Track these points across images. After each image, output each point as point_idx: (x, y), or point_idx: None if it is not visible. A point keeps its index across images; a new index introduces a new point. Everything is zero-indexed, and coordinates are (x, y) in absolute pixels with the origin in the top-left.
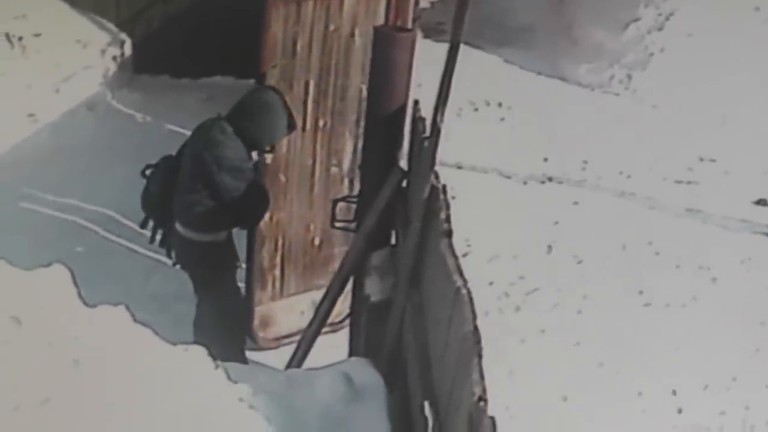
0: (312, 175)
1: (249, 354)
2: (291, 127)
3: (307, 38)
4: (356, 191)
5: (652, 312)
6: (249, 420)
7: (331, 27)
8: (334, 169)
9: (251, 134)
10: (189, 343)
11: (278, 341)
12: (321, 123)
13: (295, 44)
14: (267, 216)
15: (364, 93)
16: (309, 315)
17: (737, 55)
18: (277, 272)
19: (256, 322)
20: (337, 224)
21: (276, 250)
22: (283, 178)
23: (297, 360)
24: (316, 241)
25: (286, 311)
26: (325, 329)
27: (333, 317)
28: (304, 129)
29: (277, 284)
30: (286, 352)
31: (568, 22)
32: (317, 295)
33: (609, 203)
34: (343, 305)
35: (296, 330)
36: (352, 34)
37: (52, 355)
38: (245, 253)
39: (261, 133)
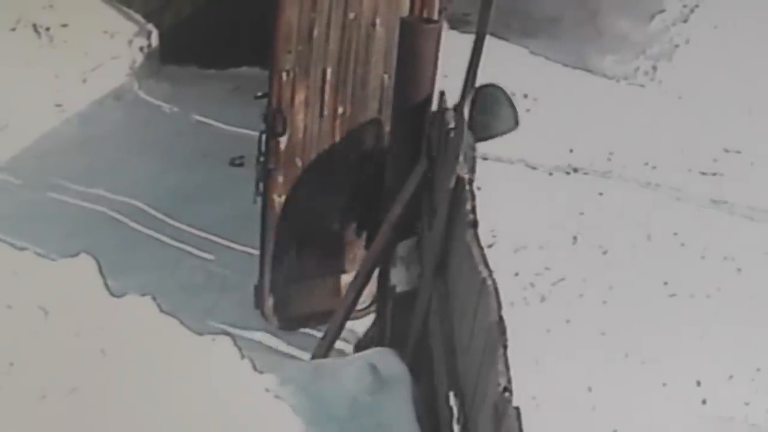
0: (330, 161)
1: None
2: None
3: (324, 25)
4: (373, 178)
5: (677, 302)
6: (275, 410)
7: (351, 15)
8: (352, 156)
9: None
10: (216, 333)
11: (295, 323)
12: (340, 110)
13: (311, 31)
14: (283, 199)
15: (386, 82)
16: (326, 299)
17: (762, 47)
18: (294, 255)
19: (271, 302)
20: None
21: (293, 233)
22: (299, 162)
23: (323, 350)
24: (335, 227)
25: (303, 294)
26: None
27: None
28: (321, 115)
29: (294, 267)
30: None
31: (593, 13)
32: (335, 279)
33: (634, 194)
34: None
35: (312, 312)
36: (374, 24)
37: (79, 344)
38: (260, 236)
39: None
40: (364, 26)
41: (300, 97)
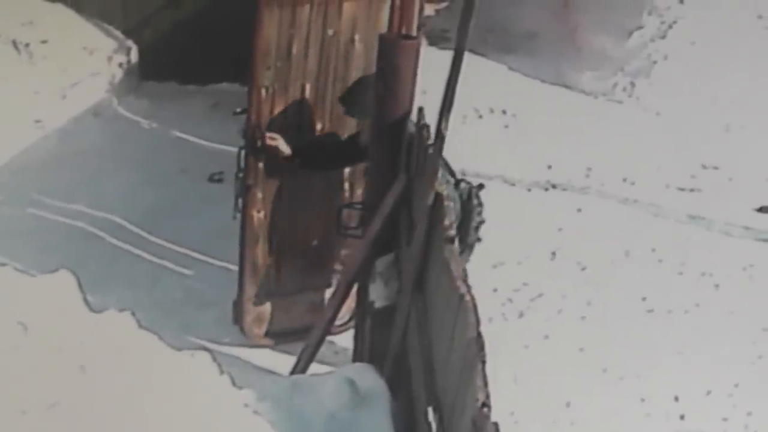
0: (309, 176)
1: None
2: None
3: (303, 41)
4: (356, 194)
5: (655, 318)
6: (254, 425)
7: (330, 32)
8: (331, 172)
9: None
10: (195, 348)
11: (273, 339)
12: (319, 126)
13: (290, 47)
14: (262, 214)
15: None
16: (305, 314)
17: (740, 63)
18: (273, 271)
19: (250, 318)
20: (343, 231)
21: (272, 248)
22: (278, 178)
23: (301, 366)
24: (314, 242)
25: (282, 309)
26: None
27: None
28: (300, 131)
29: (273, 282)
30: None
31: (572, 29)
32: (315, 294)
33: (612, 210)
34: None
35: (291, 328)
36: (353, 40)
37: (59, 360)
38: (239, 251)
39: None
40: (343, 42)
41: (278, 113)
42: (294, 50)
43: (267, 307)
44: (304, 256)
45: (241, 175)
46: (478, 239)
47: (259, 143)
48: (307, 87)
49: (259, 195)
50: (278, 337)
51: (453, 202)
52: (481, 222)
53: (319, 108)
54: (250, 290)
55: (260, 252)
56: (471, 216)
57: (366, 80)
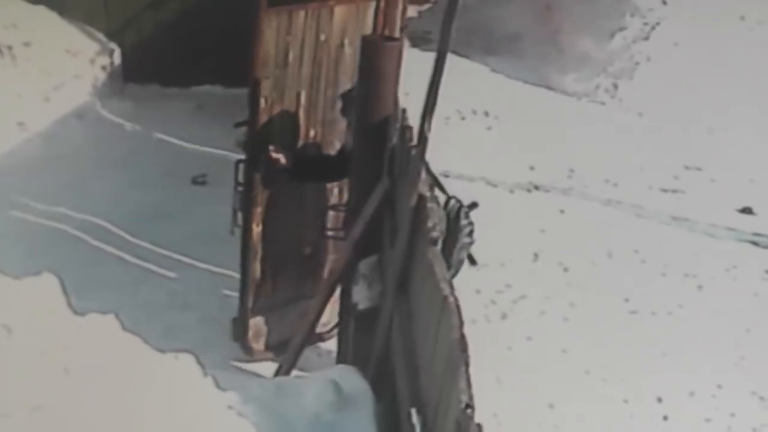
0: (302, 185)
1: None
2: None
3: (298, 48)
4: (345, 199)
5: (638, 319)
6: (238, 427)
7: (322, 37)
8: None
9: None
10: (179, 351)
11: (273, 351)
12: (312, 133)
13: (287, 55)
14: (260, 228)
15: None
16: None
17: (723, 64)
18: (270, 283)
19: (251, 334)
20: (328, 233)
21: (269, 261)
22: (275, 189)
23: (286, 368)
24: (307, 251)
25: (279, 321)
26: (314, 339)
27: (323, 327)
28: (296, 140)
29: (271, 295)
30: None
31: (555, 31)
32: (309, 303)
33: (595, 211)
34: (332, 314)
35: (288, 338)
36: (342, 44)
37: (43, 363)
38: (240, 267)
39: None
40: (333, 47)
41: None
42: (291, 58)
43: (265, 320)
44: (298, 265)
45: (240, 188)
46: (472, 261)
47: (262, 156)
48: (302, 95)
49: (258, 208)
50: (277, 349)
51: (440, 220)
52: (470, 243)
53: (312, 115)
54: (253, 306)
55: (259, 266)
56: (457, 236)
57: None
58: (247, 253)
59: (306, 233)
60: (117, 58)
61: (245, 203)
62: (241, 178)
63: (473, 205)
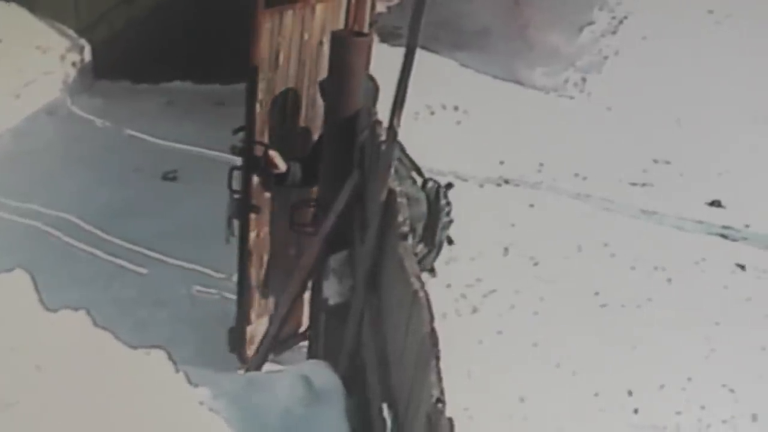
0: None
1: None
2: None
3: (287, 49)
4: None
5: (608, 313)
6: (210, 422)
7: (306, 36)
8: None
9: None
10: (150, 347)
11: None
12: (297, 132)
13: (278, 56)
14: (254, 234)
15: None
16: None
17: (691, 58)
18: (263, 289)
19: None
20: (297, 228)
21: (262, 266)
22: (266, 194)
23: (257, 362)
24: (292, 252)
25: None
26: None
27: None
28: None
29: (262, 300)
30: None
31: (523, 26)
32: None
33: (565, 205)
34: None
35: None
36: (321, 42)
37: (15, 359)
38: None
39: None
40: (314, 46)
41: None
42: (281, 59)
43: (258, 326)
44: (285, 267)
45: (236, 196)
46: (450, 240)
47: (260, 161)
48: (289, 95)
49: (253, 216)
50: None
51: (420, 202)
52: (450, 222)
53: (297, 114)
54: (251, 316)
55: (254, 273)
56: (438, 216)
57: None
58: (245, 261)
59: (290, 234)
60: (87, 55)
61: (242, 210)
62: (235, 185)
63: (449, 186)
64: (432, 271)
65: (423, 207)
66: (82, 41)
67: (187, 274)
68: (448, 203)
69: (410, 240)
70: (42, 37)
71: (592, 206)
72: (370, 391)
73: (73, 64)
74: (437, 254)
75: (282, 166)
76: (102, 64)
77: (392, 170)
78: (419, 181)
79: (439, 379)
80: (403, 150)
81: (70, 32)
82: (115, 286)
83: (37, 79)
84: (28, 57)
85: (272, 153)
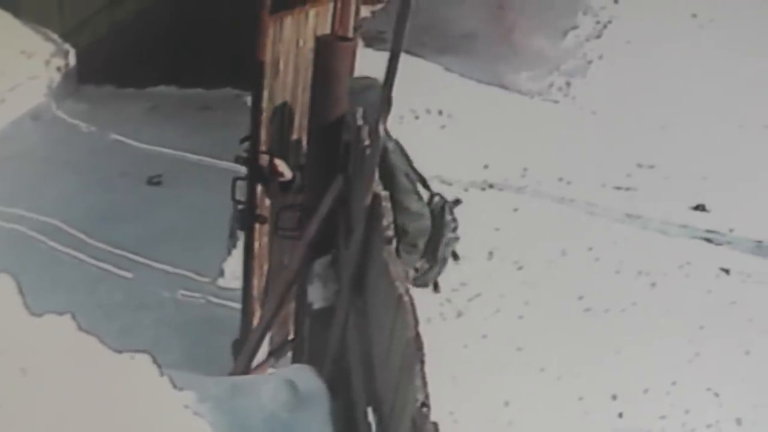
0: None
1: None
2: None
3: (285, 56)
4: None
5: (593, 317)
6: (194, 426)
7: (300, 43)
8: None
9: None
10: (135, 351)
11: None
12: (294, 139)
13: (278, 63)
14: (257, 244)
15: None
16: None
17: (675, 62)
18: (263, 297)
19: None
20: (281, 232)
21: (261, 275)
22: (266, 203)
23: (242, 366)
24: (286, 259)
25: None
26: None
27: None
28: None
29: (260, 310)
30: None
31: (508, 30)
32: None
33: (549, 209)
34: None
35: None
36: (312, 48)
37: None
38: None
39: None
40: (307, 51)
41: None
42: (281, 66)
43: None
44: (279, 274)
45: (241, 206)
46: (455, 256)
47: (266, 170)
48: (287, 102)
49: (257, 225)
50: (263, 361)
51: (423, 216)
52: (455, 239)
53: (294, 122)
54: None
55: (256, 283)
56: (442, 232)
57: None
58: (250, 271)
59: (286, 242)
60: (72, 59)
61: (248, 220)
62: (238, 195)
63: (457, 202)
64: (435, 287)
65: (426, 222)
66: (67, 46)
67: (172, 278)
68: (454, 219)
69: (394, 244)
70: (27, 42)
71: (577, 210)
72: (355, 395)
73: (58, 68)
74: (440, 271)
75: (288, 173)
76: (87, 68)
77: (377, 175)
78: (426, 195)
79: (424, 383)
80: (410, 164)
81: (55, 37)
82: (100, 291)
83: (21, 83)
84: (12, 61)
85: (278, 161)
